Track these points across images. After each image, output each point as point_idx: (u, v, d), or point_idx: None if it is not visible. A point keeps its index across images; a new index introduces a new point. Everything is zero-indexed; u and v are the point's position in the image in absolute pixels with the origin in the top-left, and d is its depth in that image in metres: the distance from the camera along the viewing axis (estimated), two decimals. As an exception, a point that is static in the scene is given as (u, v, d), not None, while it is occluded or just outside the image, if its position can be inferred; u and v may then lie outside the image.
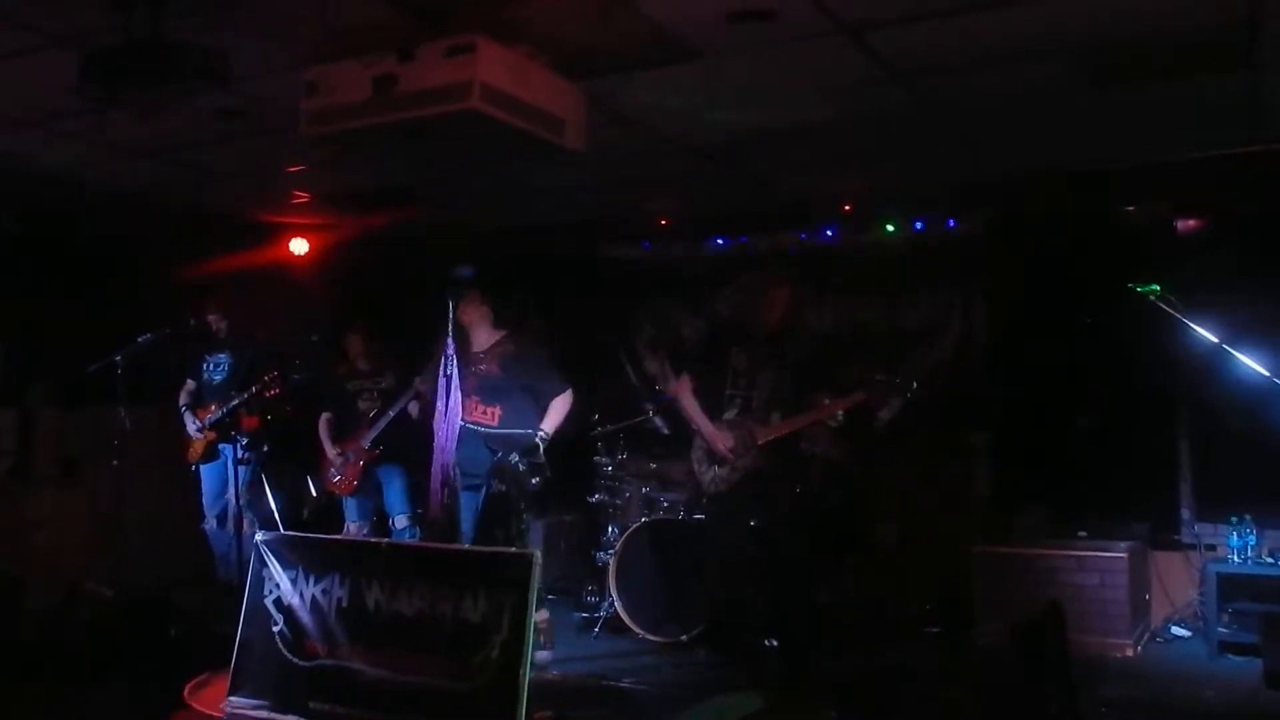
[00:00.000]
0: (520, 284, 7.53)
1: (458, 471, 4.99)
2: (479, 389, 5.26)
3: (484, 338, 5.37)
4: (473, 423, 5.21)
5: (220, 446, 6.58)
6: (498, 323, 5.39)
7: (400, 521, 6.47)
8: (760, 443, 5.21)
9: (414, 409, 6.16)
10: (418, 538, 6.40)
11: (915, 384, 5.53)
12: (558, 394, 5.31)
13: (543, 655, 5.08)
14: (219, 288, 6.93)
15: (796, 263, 7.05)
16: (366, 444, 6.37)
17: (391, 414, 6.29)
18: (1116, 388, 6.47)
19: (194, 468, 6.57)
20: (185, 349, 6.85)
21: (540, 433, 5.19)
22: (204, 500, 6.59)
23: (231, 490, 6.38)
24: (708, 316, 7.97)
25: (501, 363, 5.33)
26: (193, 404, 6.67)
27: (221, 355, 6.73)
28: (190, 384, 6.77)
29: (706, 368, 5.44)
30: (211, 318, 6.75)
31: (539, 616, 5.12)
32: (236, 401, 6.42)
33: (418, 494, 6.61)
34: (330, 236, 8.21)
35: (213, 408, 6.52)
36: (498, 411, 5.24)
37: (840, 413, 5.32)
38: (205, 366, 6.75)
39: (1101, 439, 6.50)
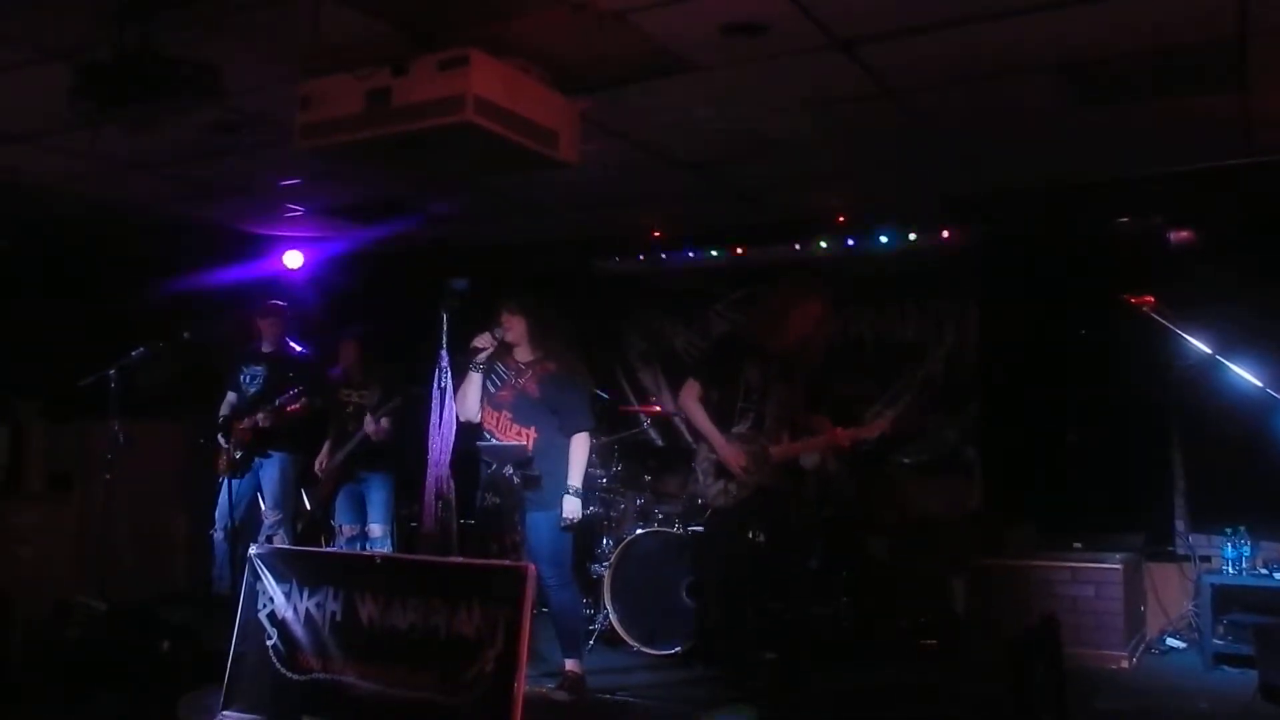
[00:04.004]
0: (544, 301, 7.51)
1: (452, 486, 4.93)
2: (514, 406, 5.08)
3: (524, 354, 5.19)
4: (506, 442, 5.02)
5: (255, 460, 6.61)
6: (534, 341, 5.24)
7: (376, 530, 6.50)
8: (775, 460, 5.14)
9: (371, 427, 6.23)
10: (390, 548, 6.44)
11: (929, 419, 5.43)
12: (580, 430, 5.08)
13: (560, 696, 5.00)
14: (268, 305, 6.93)
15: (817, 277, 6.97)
16: (336, 464, 6.45)
17: (349, 448, 6.36)
18: (1110, 399, 6.48)
19: (220, 479, 6.55)
20: (222, 361, 6.95)
21: (572, 486, 4.99)
22: (217, 510, 6.57)
23: (226, 503, 6.41)
24: (702, 328, 7.97)
25: (540, 381, 5.10)
26: (232, 416, 6.66)
27: (258, 368, 6.78)
28: (231, 396, 6.79)
29: (714, 379, 5.34)
30: (264, 323, 6.80)
31: (572, 666, 5.07)
32: (259, 413, 6.44)
33: (403, 503, 6.66)
34: (324, 250, 8.22)
35: (246, 420, 6.53)
36: (533, 435, 5.02)
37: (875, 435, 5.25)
38: (243, 379, 6.80)
39: (1095, 451, 6.51)
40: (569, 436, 5.06)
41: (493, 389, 5.13)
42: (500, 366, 5.18)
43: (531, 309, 5.18)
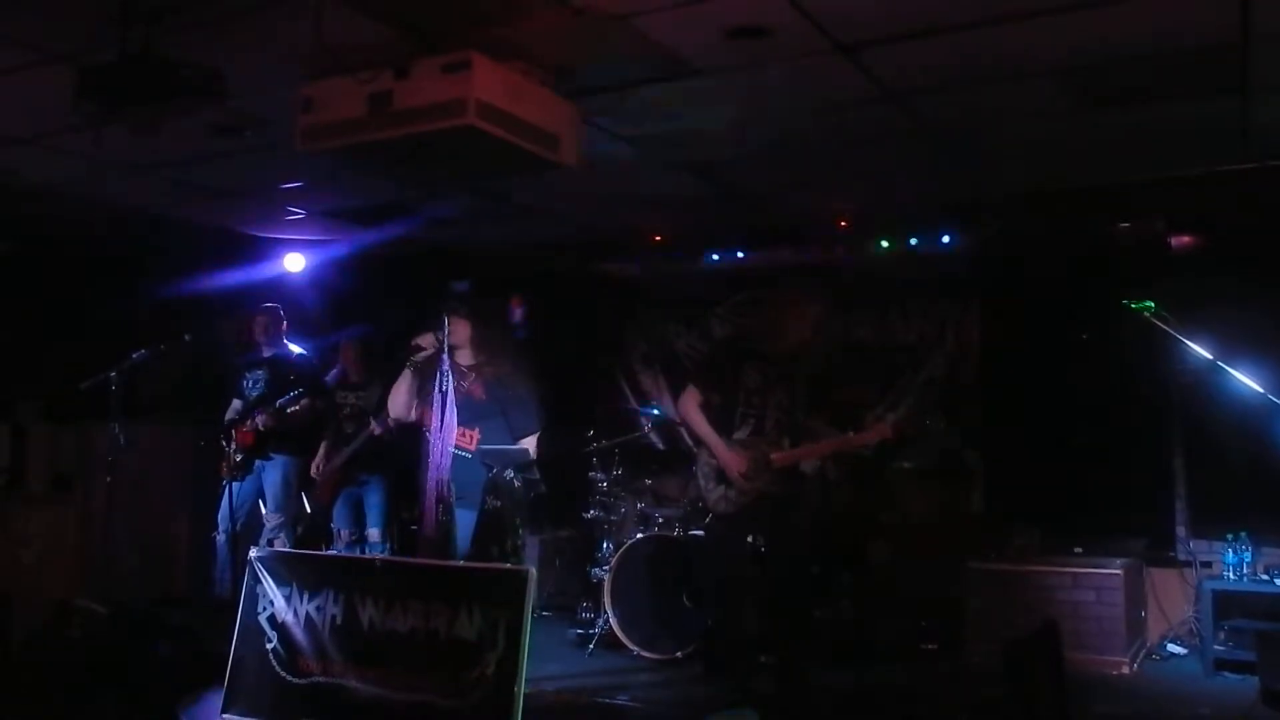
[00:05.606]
0: (510, 303, 7.50)
1: (452, 489, 4.94)
2: (459, 408, 5.09)
3: (465, 358, 5.20)
4: (455, 447, 5.04)
5: (257, 463, 6.61)
6: (476, 346, 5.25)
7: (374, 535, 6.52)
8: (777, 465, 5.13)
9: (378, 428, 6.22)
10: (389, 551, 6.44)
11: (930, 422, 5.40)
12: (529, 433, 5.15)
13: None
14: (260, 307, 6.93)
15: (816, 280, 6.96)
16: (335, 466, 6.49)
17: (354, 447, 6.40)
18: (1111, 404, 6.48)
19: (222, 482, 6.55)
20: (222, 368, 6.96)
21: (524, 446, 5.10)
22: (219, 513, 6.57)
23: (227, 506, 6.41)
24: (703, 331, 7.97)
25: (486, 386, 5.17)
26: (234, 420, 6.65)
27: (259, 371, 6.78)
28: (236, 403, 6.79)
29: (714, 383, 5.34)
30: (257, 326, 6.80)
31: None
32: (258, 415, 6.44)
33: (398, 507, 6.67)
34: (325, 252, 8.22)
35: (247, 423, 6.53)
36: (476, 435, 5.09)
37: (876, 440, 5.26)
38: (245, 384, 6.79)
39: (1096, 455, 6.51)
40: (517, 439, 5.11)
41: (438, 392, 5.06)
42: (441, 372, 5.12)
43: (476, 314, 5.21)
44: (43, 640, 5.66)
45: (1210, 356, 4.28)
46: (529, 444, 5.12)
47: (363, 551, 6.42)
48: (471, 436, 5.05)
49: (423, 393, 5.13)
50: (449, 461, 4.88)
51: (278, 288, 7.92)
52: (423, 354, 5.09)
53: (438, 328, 5.06)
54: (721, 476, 5.15)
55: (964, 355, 7.13)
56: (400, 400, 5.19)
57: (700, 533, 6.01)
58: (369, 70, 4.23)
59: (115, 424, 6.08)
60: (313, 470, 6.59)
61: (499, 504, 4.90)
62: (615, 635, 6.04)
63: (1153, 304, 4.29)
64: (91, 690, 5.00)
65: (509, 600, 3.85)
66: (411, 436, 5.30)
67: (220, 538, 6.52)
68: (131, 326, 6.89)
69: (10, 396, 7.33)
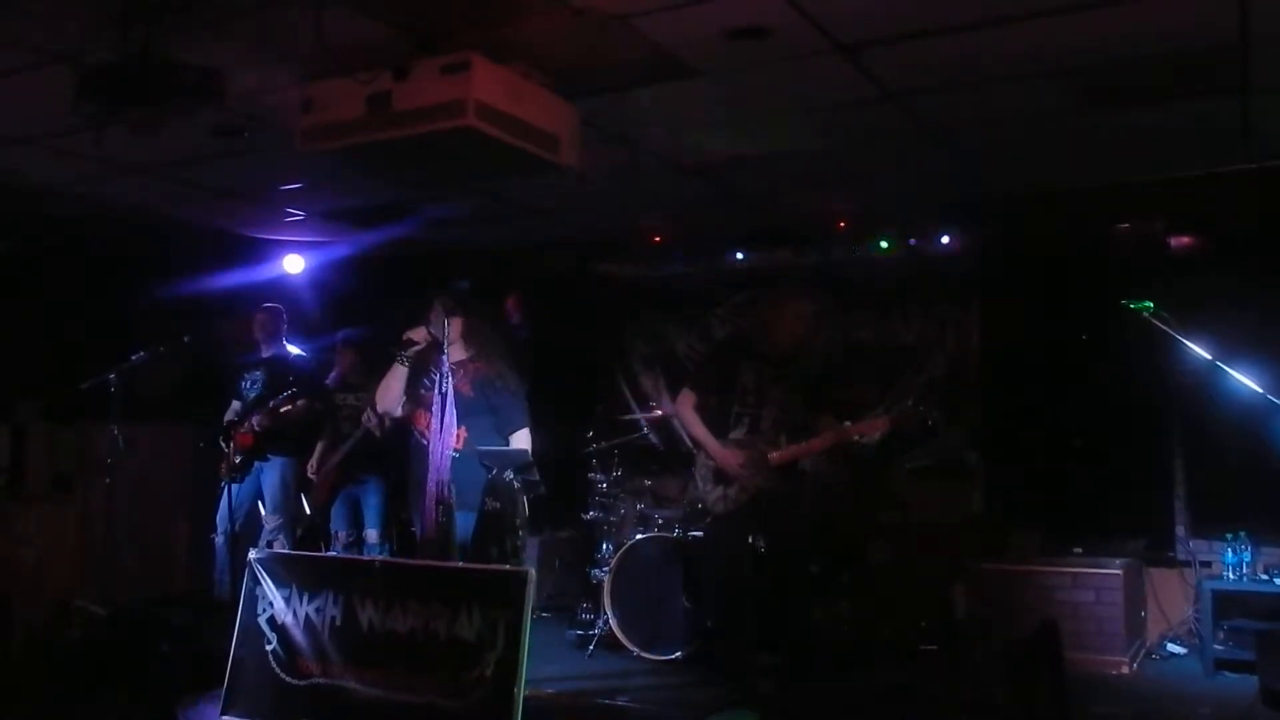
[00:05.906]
0: (507, 302, 7.49)
1: (453, 489, 4.92)
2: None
3: (456, 353, 5.10)
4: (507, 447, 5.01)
5: (256, 464, 6.60)
6: (468, 341, 5.17)
7: (371, 536, 6.52)
8: (774, 463, 5.13)
9: (372, 422, 6.21)
10: (388, 553, 6.43)
11: (931, 422, 5.39)
12: (518, 428, 5.10)
13: None
14: (261, 307, 6.91)
15: (815, 281, 6.93)
16: (333, 465, 6.51)
17: (350, 445, 6.43)
18: (1111, 404, 6.48)
19: (221, 484, 6.55)
20: (221, 369, 6.96)
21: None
22: (218, 514, 6.57)
23: (226, 508, 6.41)
24: (703, 332, 7.97)
25: (473, 382, 5.10)
26: (236, 422, 6.64)
27: (257, 372, 6.77)
28: (235, 404, 6.78)
29: (711, 383, 5.34)
30: (257, 326, 6.79)
31: None
32: (255, 416, 6.44)
33: (396, 508, 6.67)
34: (325, 254, 8.22)
35: (244, 424, 6.52)
36: (463, 434, 5.01)
37: (876, 434, 5.24)
38: (244, 385, 6.78)
39: (1096, 455, 6.50)
40: (506, 436, 5.06)
41: (424, 390, 5.04)
42: (430, 367, 5.06)
43: (468, 309, 5.15)
44: (43, 640, 5.66)
45: (1210, 357, 4.28)
46: (519, 438, 5.06)
47: (360, 553, 6.42)
48: (459, 435, 5.02)
49: (413, 388, 5.11)
50: (449, 463, 4.86)
51: (277, 289, 7.92)
52: (415, 348, 5.06)
53: (430, 322, 5.04)
54: (720, 477, 5.15)
55: (964, 355, 7.12)
56: (392, 393, 5.11)
57: (700, 533, 6.01)
58: (368, 71, 4.24)
59: (115, 424, 6.09)
60: (309, 470, 6.59)
61: (498, 505, 4.89)
62: (615, 636, 6.04)
63: (1152, 304, 4.29)
64: (91, 690, 5.00)
65: (509, 601, 3.84)
66: (402, 435, 5.26)
67: (219, 539, 6.52)
68: (131, 327, 6.90)
69: (10, 396, 7.33)
